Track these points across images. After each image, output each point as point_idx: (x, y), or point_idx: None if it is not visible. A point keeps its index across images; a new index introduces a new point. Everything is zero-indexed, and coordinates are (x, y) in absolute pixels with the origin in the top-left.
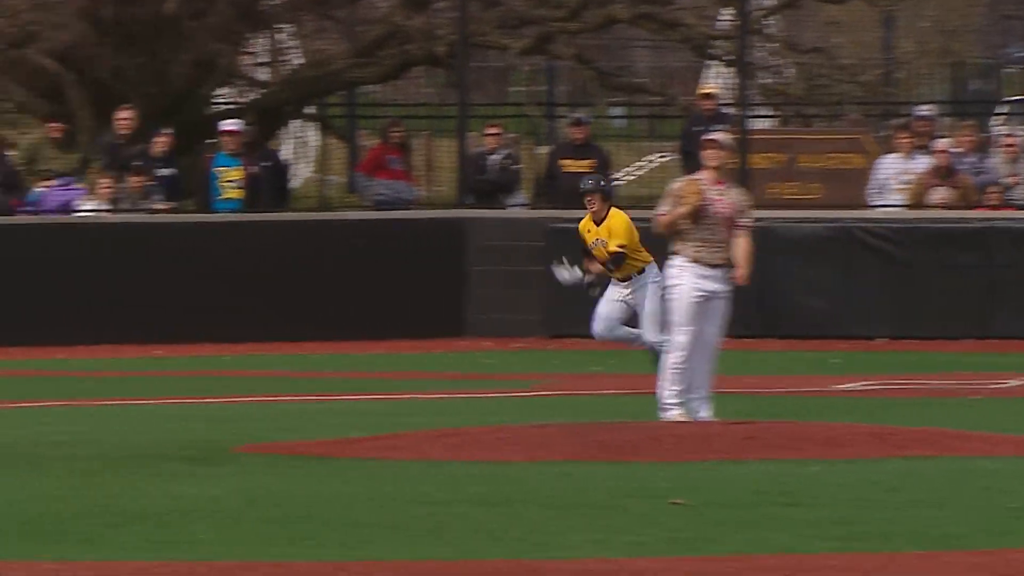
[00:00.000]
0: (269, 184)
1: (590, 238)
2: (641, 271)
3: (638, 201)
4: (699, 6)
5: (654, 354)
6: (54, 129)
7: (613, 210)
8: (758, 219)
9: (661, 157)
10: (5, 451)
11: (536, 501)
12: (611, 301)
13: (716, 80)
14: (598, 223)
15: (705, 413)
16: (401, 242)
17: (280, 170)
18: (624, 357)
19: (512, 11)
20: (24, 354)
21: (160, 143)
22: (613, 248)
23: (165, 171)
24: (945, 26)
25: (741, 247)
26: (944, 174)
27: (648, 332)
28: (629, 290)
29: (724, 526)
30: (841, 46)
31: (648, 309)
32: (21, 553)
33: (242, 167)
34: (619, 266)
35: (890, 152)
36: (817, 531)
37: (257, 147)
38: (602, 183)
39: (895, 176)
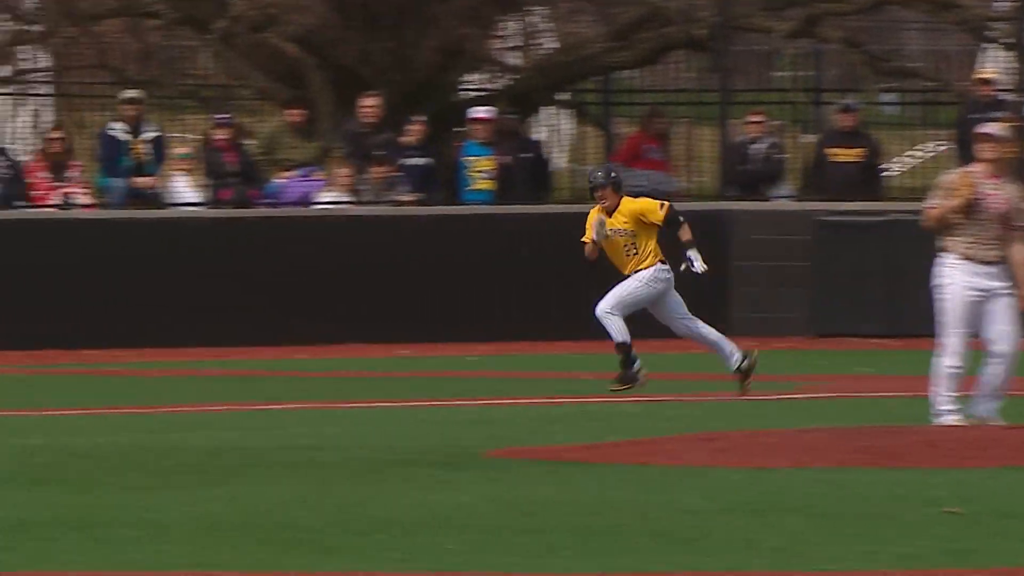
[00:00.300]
0: (529, 175)
1: (609, 226)
2: (638, 271)
3: (909, 193)
4: None
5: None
6: (293, 115)
7: (626, 198)
8: None
9: (936, 146)
10: (249, 455)
11: (801, 509)
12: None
13: (994, 64)
14: (611, 213)
15: (987, 416)
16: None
17: (541, 161)
18: (894, 358)
19: None
20: (268, 354)
21: (413, 131)
22: (663, 213)
23: (419, 161)
24: None
25: (1017, 259)
26: None
27: (604, 303)
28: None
29: (1002, 537)
30: None
31: (623, 289)
32: (261, 562)
33: (493, 157)
34: (681, 224)
35: None
36: None
37: (512, 136)
38: (612, 175)
39: None
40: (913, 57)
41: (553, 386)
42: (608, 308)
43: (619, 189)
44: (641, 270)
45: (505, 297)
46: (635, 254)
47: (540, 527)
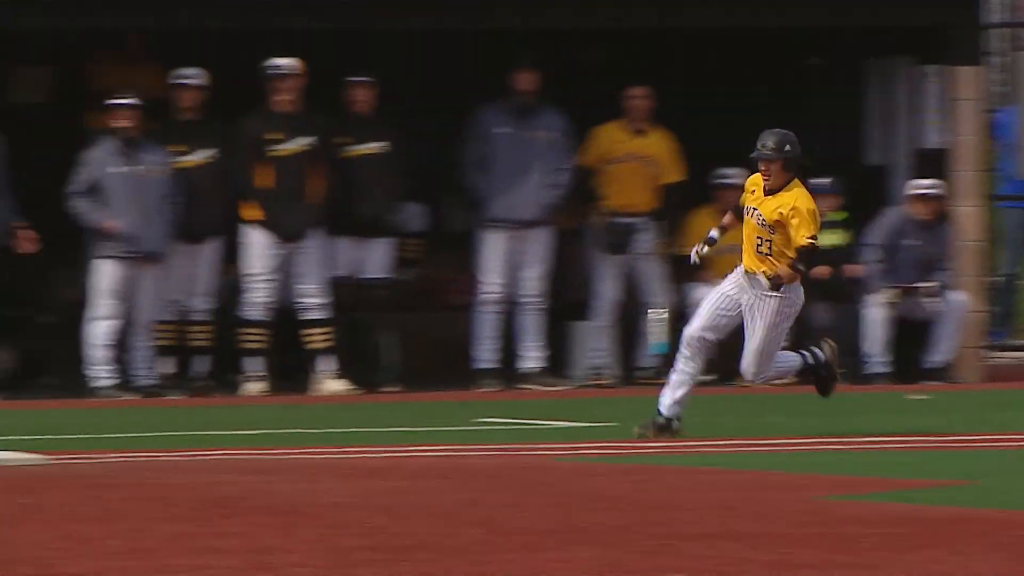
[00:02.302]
0: None
1: (750, 201)
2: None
3: None
4: None
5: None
6: None
7: (799, 187)
8: None
9: None
10: None
11: None
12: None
13: None
14: (768, 193)
15: None
16: None
17: None
18: None
19: None
20: None
21: None
22: (802, 242)
23: None
24: None
25: None
26: None
27: (749, 363)
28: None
29: None
30: None
31: (759, 335)
32: None
33: None
34: (808, 265)
35: None
36: None
37: None
38: (787, 148)
39: None
40: None
41: None
42: (756, 371)
43: (790, 167)
44: (787, 287)
45: None
46: (767, 255)
47: None
